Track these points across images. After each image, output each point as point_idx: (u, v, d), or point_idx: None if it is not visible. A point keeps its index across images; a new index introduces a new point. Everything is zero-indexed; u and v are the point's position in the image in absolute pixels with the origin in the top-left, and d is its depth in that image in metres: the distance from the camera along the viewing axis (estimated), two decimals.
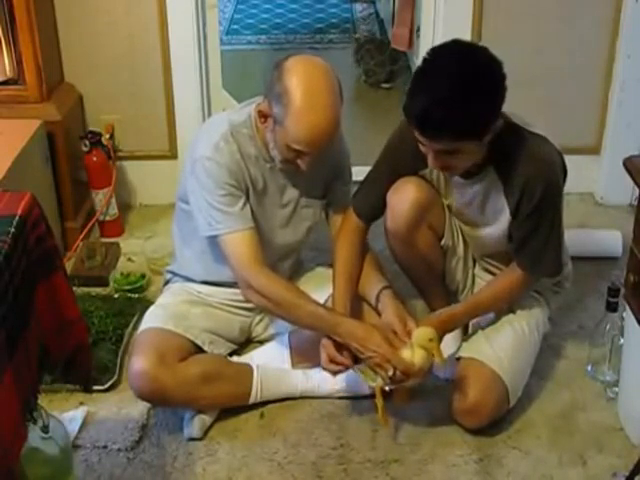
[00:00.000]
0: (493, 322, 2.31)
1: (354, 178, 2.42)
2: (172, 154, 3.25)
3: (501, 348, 2.23)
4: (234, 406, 2.29)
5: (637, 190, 2.84)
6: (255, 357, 2.36)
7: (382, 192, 2.24)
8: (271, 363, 2.34)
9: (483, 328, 2.31)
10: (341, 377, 2.32)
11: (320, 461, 2.17)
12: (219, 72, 3.40)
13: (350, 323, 2.12)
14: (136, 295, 2.75)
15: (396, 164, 2.21)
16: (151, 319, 2.29)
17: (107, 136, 3.14)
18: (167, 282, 2.48)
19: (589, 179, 3.32)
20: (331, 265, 2.47)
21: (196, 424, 2.22)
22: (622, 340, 2.31)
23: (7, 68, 2.86)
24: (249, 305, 2.33)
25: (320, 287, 2.40)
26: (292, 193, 2.31)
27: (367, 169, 2.34)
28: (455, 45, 1.99)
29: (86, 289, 2.74)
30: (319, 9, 5.93)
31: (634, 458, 1.99)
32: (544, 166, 2.06)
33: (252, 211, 2.21)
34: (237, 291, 2.27)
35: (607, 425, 2.28)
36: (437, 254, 2.32)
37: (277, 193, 2.29)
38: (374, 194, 2.26)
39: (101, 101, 3.18)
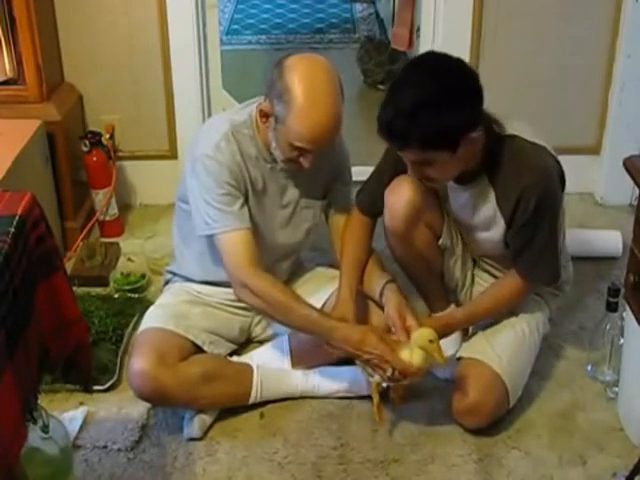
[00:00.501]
0: (493, 323, 2.31)
1: (354, 178, 2.43)
2: (172, 154, 3.25)
3: (501, 348, 2.23)
4: (234, 406, 2.29)
5: (637, 190, 2.84)
6: (255, 357, 2.36)
7: (384, 189, 2.25)
8: (271, 363, 2.34)
9: (483, 329, 2.31)
10: (341, 377, 2.32)
11: (320, 461, 2.17)
12: (219, 72, 3.40)
13: (345, 327, 2.12)
14: (136, 295, 2.75)
15: (396, 163, 2.21)
16: (151, 319, 2.29)
17: (107, 136, 3.14)
18: (167, 282, 2.48)
19: (589, 179, 3.33)
20: (331, 265, 2.49)
21: (196, 424, 2.22)
22: (622, 340, 2.31)
23: (7, 68, 2.86)
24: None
25: (320, 287, 2.41)
26: (292, 194, 2.31)
27: (367, 169, 2.34)
28: (428, 57, 2.04)
29: (86, 289, 2.74)
30: (319, 9, 5.94)
31: (634, 458, 1.99)
32: (539, 177, 2.04)
33: (251, 212, 2.21)
34: None
35: (607, 425, 2.28)
36: (435, 253, 2.32)
37: (277, 194, 2.29)
38: (377, 191, 2.27)
39: (101, 101, 3.18)
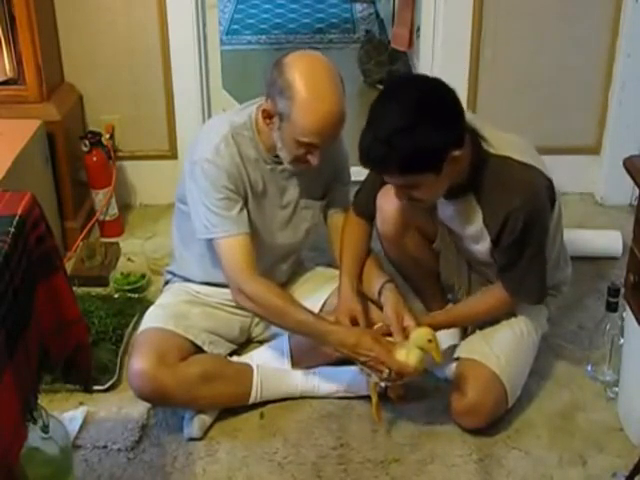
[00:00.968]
0: (492, 323, 2.30)
1: (353, 178, 2.43)
2: (172, 154, 3.25)
3: (499, 348, 2.23)
4: (234, 406, 2.29)
5: (637, 190, 2.84)
6: (255, 357, 2.36)
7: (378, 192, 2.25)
8: (271, 363, 2.34)
9: (481, 328, 2.31)
10: (341, 377, 2.32)
11: (320, 461, 2.17)
12: (219, 72, 3.40)
13: (340, 331, 2.12)
14: (136, 295, 2.75)
15: None
16: (151, 319, 2.29)
17: (107, 136, 3.14)
18: (167, 282, 2.48)
19: (589, 179, 3.33)
20: (330, 265, 2.49)
21: (196, 424, 2.22)
22: (622, 340, 2.31)
23: (7, 68, 2.86)
24: None
25: (319, 287, 2.41)
26: (292, 194, 2.31)
27: (364, 169, 2.34)
28: (403, 80, 2.04)
29: (86, 289, 2.74)
30: (319, 9, 5.93)
31: (634, 458, 1.99)
32: (527, 199, 2.02)
33: (250, 214, 2.21)
34: None
35: (607, 425, 2.28)
36: (429, 256, 2.32)
37: (277, 195, 2.29)
38: (372, 194, 2.27)
39: (101, 101, 3.18)
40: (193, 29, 3.08)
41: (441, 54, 3.15)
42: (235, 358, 2.36)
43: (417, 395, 2.32)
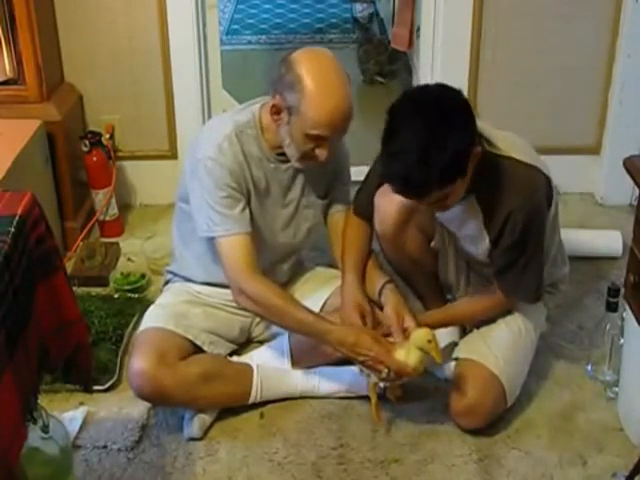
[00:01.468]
0: (489, 322, 2.30)
1: (353, 178, 2.43)
2: (172, 154, 3.25)
3: (498, 348, 2.23)
4: (234, 406, 2.29)
5: (637, 190, 2.84)
6: (255, 357, 2.36)
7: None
8: (271, 363, 2.34)
9: (479, 327, 2.31)
10: (341, 377, 2.32)
11: (320, 461, 2.17)
12: (219, 72, 3.40)
13: (339, 330, 2.12)
14: (136, 295, 2.74)
15: None
16: (151, 319, 2.29)
17: (107, 136, 3.14)
18: (167, 282, 2.48)
19: (589, 179, 3.32)
20: (331, 265, 2.48)
21: (196, 424, 2.22)
22: (622, 340, 2.31)
23: (7, 68, 2.86)
24: None
25: (320, 287, 2.41)
26: (294, 193, 2.31)
27: (364, 169, 2.34)
28: (408, 96, 1.98)
29: (86, 289, 2.74)
30: (319, 9, 5.93)
31: (634, 458, 1.99)
32: (527, 201, 2.03)
33: (253, 213, 2.21)
34: None
35: (607, 425, 2.28)
36: (427, 255, 2.32)
37: (279, 193, 2.29)
38: (373, 195, 2.27)
39: (101, 101, 3.18)
40: (193, 29, 3.08)
41: (441, 54, 3.15)
42: (235, 358, 2.36)
43: (417, 395, 2.32)
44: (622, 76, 3.13)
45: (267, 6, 5.97)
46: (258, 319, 2.42)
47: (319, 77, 2.05)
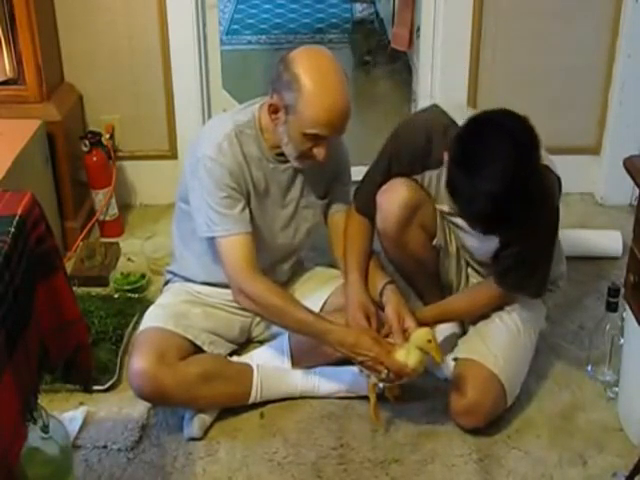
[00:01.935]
0: (489, 322, 2.30)
1: (353, 178, 2.43)
2: (172, 154, 3.25)
3: (497, 347, 2.23)
4: (234, 406, 2.29)
5: (637, 190, 2.84)
6: (255, 357, 2.36)
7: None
8: (271, 363, 2.34)
9: (476, 325, 2.31)
10: (341, 377, 2.32)
11: (320, 461, 2.17)
12: (219, 72, 3.40)
13: (339, 330, 2.12)
14: (136, 295, 2.74)
15: (392, 168, 2.21)
16: (151, 319, 2.29)
17: (107, 136, 3.14)
18: (167, 282, 2.48)
19: (589, 179, 3.33)
20: (331, 265, 2.48)
21: (196, 424, 2.22)
22: (622, 340, 2.31)
23: (7, 68, 2.86)
24: None
25: (320, 287, 2.41)
26: (293, 193, 2.31)
27: (364, 169, 2.34)
28: (488, 127, 1.89)
29: (86, 289, 2.74)
30: (319, 9, 5.93)
31: (634, 458, 1.99)
32: (542, 204, 2.00)
33: (252, 213, 2.21)
34: None
35: (607, 425, 2.28)
36: (429, 253, 2.32)
37: (279, 194, 2.29)
38: (374, 192, 2.26)
39: (101, 101, 3.18)
40: (193, 29, 3.08)
41: (441, 54, 3.15)
42: (235, 358, 2.36)
43: (417, 395, 2.32)
44: (622, 76, 3.13)
45: (267, 6, 5.97)
46: (258, 319, 2.42)
47: (316, 76, 2.05)
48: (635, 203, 3.09)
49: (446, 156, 1.97)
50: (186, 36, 3.08)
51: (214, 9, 3.30)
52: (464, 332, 2.37)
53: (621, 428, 2.26)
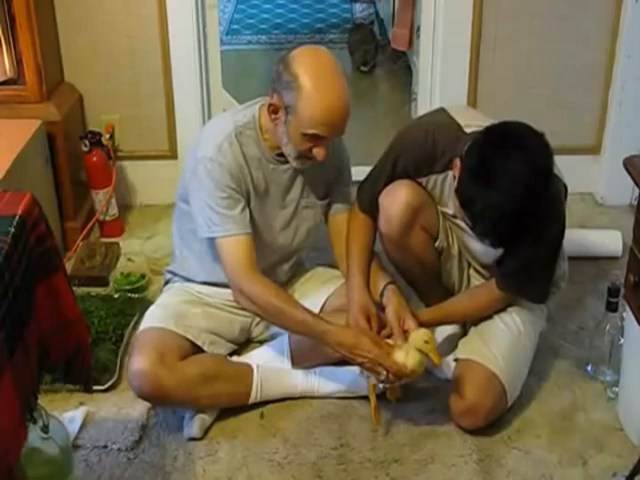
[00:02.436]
0: (489, 322, 2.30)
1: (353, 178, 2.43)
2: (172, 154, 3.25)
3: (497, 348, 2.23)
4: (234, 406, 2.29)
5: (637, 190, 2.84)
6: (255, 357, 2.36)
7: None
8: (271, 363, 2.34)
9: (476, 325, 2.31)
10: (341, 377, 2.32)
11: (320, 461, 2.17)
12: (219, 72, 3.40)
13: (338, 331, 2.12)
14: (136, 295, 2.74)
15: (397, 169, 2.21)
16: (151, 319, 2.29)
17: (107, 136, 3.14)
18: (167, 282, 2.48)
19: (589, 179, 3.32)
20: (331, 265, 2.48)
21: (196, 424, 2.22)
22: (622, 340, 2.31)
23: (7, 68, 2.86)
24: None
25: (320, 287, 2.41)
26: (294, 194, 2.31)
27: (365, 169, 2.34)
28: (509, 141, 1.91)
29: (86, 289, 2.74)
30: (319, 9, 5.93)
31: (634, 458, 2.00)
32: (551, 215, 2.01)
33: (252, 214, 2.21)
34: None
35: (607, 425, 2.28)
36: (432, 255, 2.32)
37: (279, 194, 2.29)
38: (378, 191, 2.26)
39: (101, 101, 3.18)
40: (193, 29, 3.08)
41: (441, 54, 3.15)
42: (235, 358, 2.36)
43: (417, 395, 2.33)
44: (622, 76, 3.13)
45: (267, 6, 5.97)
46: (258, 319, 2.42)
47: (315, 76, 2.05)
48: (635, 203, 3.09)
49: (457, 163, 1.97)
50: (186, 36, 3.08)
51: (214, 9, 3.30)
52: (465, 332, 2.37)
53: (621, 428, 2.26)
